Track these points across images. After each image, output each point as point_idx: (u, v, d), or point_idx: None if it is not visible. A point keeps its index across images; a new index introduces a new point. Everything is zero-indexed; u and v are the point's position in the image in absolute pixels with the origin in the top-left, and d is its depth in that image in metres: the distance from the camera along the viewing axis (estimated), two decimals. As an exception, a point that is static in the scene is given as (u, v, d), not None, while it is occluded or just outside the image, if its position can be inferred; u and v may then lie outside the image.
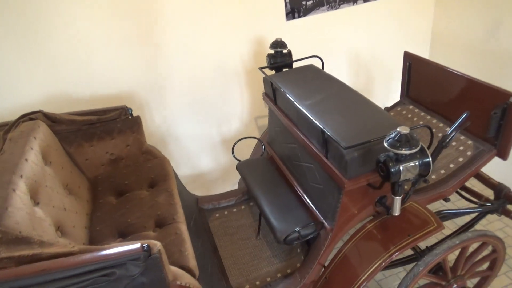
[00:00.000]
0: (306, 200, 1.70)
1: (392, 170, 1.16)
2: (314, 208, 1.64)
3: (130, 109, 1.95)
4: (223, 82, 2.49)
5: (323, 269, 1.64)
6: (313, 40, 2.58)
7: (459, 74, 1.79)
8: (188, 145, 2.59)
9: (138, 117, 1.95)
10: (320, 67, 2.07)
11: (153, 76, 2.28)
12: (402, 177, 1.18)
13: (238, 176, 2.15)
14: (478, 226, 2.00)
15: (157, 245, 1.13)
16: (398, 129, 1.17)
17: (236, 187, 2.45)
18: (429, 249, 1.59)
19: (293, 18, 2.49)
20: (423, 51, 3.01)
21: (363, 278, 1.42)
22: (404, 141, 1.14)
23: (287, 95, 1.69)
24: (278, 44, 2.07)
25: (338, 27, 2.63)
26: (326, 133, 1.38)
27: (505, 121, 1.61)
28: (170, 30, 2.18)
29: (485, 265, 1.89)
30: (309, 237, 1.60)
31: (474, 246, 1.72)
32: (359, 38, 2.74)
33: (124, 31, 2.08)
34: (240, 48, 2.42)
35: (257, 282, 1.72)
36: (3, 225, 1.07)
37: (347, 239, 1.59)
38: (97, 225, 1.58)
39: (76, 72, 2.11)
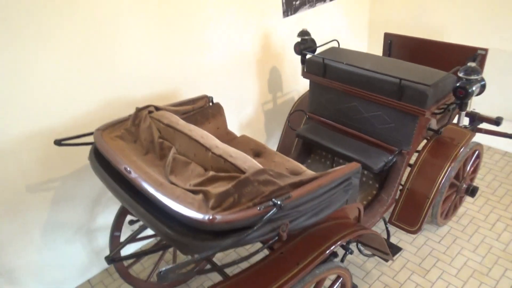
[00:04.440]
0: (375, 140, 2.26)
1: (470, 90, 1.83)
2: (386, 143, 2.21)
3: (211, 97, 2.21)
4: (239, 74, 2.88)
5: (400, 187, 2.23)
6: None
7: (437, 41, 2.60)
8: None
9: (218, 103, 2.22)
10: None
11: (189, 74, 2.56)
12: (473, 95, 1.86)
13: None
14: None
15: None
16: (468, 64, 1.84)
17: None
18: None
19: (287, 15, 3.04)
20: (364, 34, 3.91)
21: (442, 175, 2.06)
22: (474, 70, 1.82)
23: (348, 65, 2.22)
24: (305, 33, 2.59)
25: (315, 20, 3.28)
26: (404, 82, 1.98)
27: None
28: (200, 36, 2.51)
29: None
30: (391, 163, 2.17)
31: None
32: (328, 27, 3.45)
33: (168, 40, 2.35)
34: (250, 43, 2.86)
35: (350, 210, 2.21)
36: (266, 168, 1.36)
37: (415, 158, 2.22)
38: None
39: (128, 75, 2.26)
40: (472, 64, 1.85)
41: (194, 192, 1.36)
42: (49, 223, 2.22)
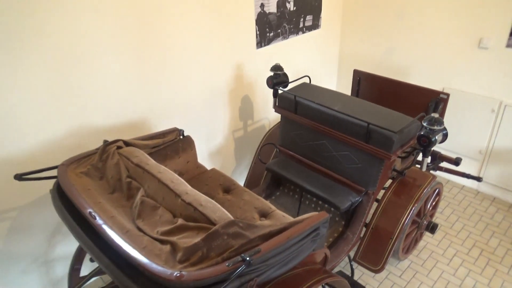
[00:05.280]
0: (342, 179, 2.31)
1: (433, 139, 1.91)
2: (353, 182, 2.26)
3: (182, 130, 2.19)
4: (211, 103, 2.88)
5: (365, 226, 2.28)
6: (275, 62, 3.22)
7: (402, 82, 2.71)
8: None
9: (189, 136, 2.21)
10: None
11: (159, 104, 2.53)
12: (436, 143, 1.94)
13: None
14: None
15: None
16: (432, 115, 1.93)
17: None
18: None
19: (261, 46, 3.08)
20: (333, 68, 4.02)
21: (405, 216, 2.13)
22: (437, 121, 1.91)
23: (319, 105, 2.27)
24: (278, 68, 2.63)
25: (288, 51, 3.34)
26: (372, 126, 2.05)
27: (438, 111, 2.58)
28: (173, 66, 2.50)
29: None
30: (357, 203, 2.23)
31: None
32: (300, 59, 3.52)
33: (138, 69, 2.32)
34: (223, 73, 2.87)
35: (316, 248, 2.24)
36: (235, 220, 1.36)
37: (381, 197, 2.28)
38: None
39: (96, 104, 2.21)
40: (435, 115, 1.94)
41: (162, 241, 1.33)
42: (3, 254, 2.10)
